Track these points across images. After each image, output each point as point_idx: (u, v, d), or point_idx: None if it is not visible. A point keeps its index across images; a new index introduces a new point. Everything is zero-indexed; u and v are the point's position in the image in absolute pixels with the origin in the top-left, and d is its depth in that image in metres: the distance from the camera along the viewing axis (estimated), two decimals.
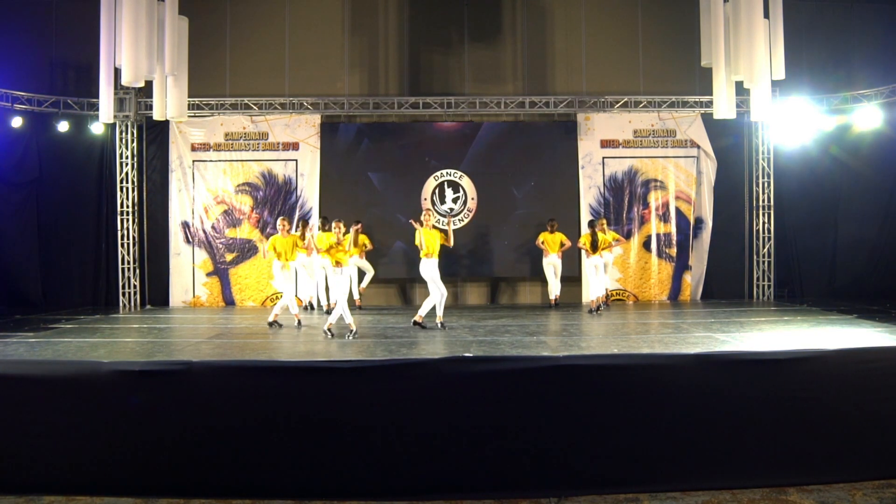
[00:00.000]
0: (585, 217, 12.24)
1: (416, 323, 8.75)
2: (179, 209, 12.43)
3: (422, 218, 8.87)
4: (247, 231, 12.45)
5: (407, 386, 5.55)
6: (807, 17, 12.32)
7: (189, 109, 11.14)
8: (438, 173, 12.49)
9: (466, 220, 12.45)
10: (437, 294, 8.74)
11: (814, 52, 12.47)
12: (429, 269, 8.74)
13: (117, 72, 9.57)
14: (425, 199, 12.42)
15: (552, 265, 11.33)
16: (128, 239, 12.25)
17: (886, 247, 12.25)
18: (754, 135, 12.61)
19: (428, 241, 8.71)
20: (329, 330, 8.11)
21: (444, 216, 12.24)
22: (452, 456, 5.45)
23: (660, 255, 12.61)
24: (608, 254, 11.18)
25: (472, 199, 12.49)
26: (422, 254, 8.77)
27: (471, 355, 6.08)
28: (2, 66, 11.65)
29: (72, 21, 12.12)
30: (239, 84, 12.55)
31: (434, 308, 8.82)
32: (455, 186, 12.51)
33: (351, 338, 7.87)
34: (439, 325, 8.70)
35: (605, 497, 5.29)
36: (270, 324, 9.09)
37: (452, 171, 12.49)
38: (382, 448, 5.45)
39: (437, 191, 12.50)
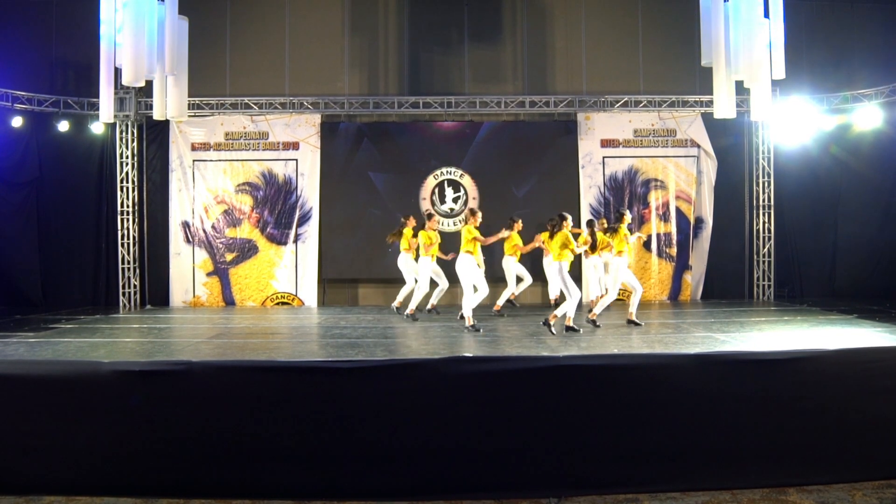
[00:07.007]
0: (585, 217, 12.23)
1: (463, 319, 8.69)
2: (179, 209, 12.43)
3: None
4: (247, 231, 12.44)
5: (407, 386, 5.54)
6: (807, 17, 12.31)
7: (189, 109, 11.11)
8: (438, 171, 12.49)
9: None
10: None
11: (814, 52, 12.46)
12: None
13: (117, 72, 9.57)
14: (424, 199, 12.42)
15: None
16: (128, 239, 12.25)
17: (886, 247, 12.24)
18: (754, 134, 12.61)
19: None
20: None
21: (444, 216, 12.26)
22: (452, 456, 5.44)
23: (660, 254, 12.61)
24: (608, 254, 11.14)
25: (474, 198, 12.49)
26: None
27: (471, 355, 6.09)
28: (2, 66, 11.65)
29: (72, 21, 12.11)
30: (239, 84, 12.54)
31: (465, 302, 8.75)
32: (455, 186, 12.51)
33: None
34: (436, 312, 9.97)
35: (605, 497, 5.28)
36: (429, 311, 10.14)
37: (454, 168, 12.48)
38: (382, 448, 5.44)
39: (436, 190, 12.50)
